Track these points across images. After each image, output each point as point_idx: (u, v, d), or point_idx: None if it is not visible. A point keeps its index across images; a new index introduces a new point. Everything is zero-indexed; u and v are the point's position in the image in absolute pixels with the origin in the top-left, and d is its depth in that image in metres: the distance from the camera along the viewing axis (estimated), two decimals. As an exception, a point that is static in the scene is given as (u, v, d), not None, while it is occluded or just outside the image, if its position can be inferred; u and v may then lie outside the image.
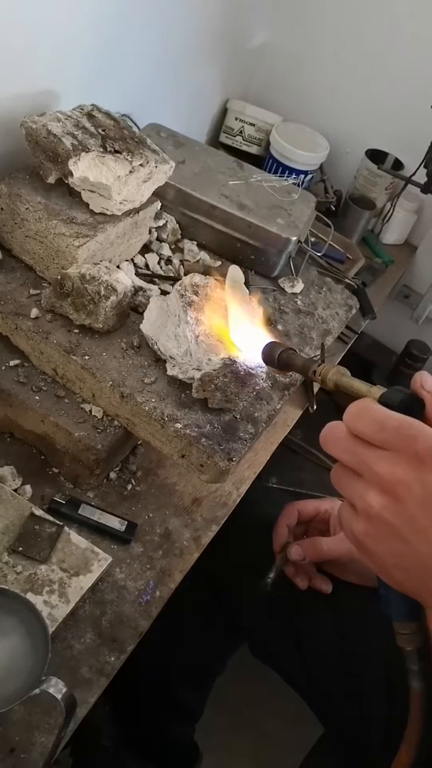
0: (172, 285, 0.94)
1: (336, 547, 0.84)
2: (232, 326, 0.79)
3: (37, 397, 0.83)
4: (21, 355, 0.86)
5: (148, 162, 0.90)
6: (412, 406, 0.48)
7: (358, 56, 1.50)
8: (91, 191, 0.88)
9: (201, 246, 1.14)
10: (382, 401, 0.49)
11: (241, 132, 1.54)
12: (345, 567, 0.87)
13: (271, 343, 0.66)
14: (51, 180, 0.88)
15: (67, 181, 0.88)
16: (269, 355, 0.65)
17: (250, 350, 0.76)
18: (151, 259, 1.06)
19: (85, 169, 0.85)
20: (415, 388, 0.49)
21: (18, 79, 0.93)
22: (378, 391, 0.50)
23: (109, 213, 0.90)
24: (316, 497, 1.34)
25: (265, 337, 0.71)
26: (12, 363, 0.85)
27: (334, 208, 1.52)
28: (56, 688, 0.59)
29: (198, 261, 1.12)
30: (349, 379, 0.54)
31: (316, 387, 1.15)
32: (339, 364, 1.32)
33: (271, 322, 1.04)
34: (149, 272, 1.04)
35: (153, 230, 1.08)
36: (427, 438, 0.44)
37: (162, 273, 1.06)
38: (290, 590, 0.91)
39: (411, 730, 0.54)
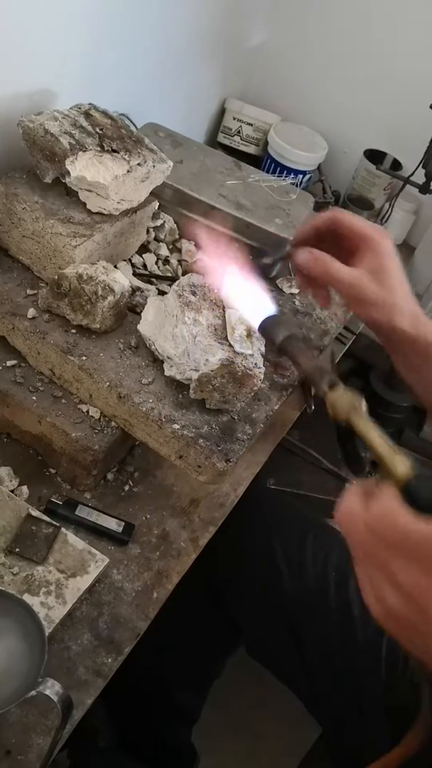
0: (170, 285, 0.94)
1: (346, 276, 0.74)
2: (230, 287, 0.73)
3: (34, 398, 0.82)
4: (18, 355, 0.85)
5: (145, 161, 0.90)
6: None
7: (357, 56, 1.50)
8: (89, 191, 0.88)
9: (199, 246, 1.14)
10: (408, 493, 0.44)
11: (239, 132, 1.54)
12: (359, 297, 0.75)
13: (275, 317, 0.59)
14: (48, 179, 0.88)
15: (64, 181, 0.87)
16: (270, 333, 0.57)
17: (251, 310, 0.66)
18: (149, 259, 1.05)
19: (83, 168, 0.85)
20: None
21: (15, 78, 0.93)
22: (402, 466, 0.45)
23: (106, 213, 0.90)
24: (316, 498, 1.34)
25: (270, 305, 0.62)
26: (9, 363, 0.85)
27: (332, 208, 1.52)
28: (53, 689, 0.59)
29: (196, 261, 1.11)
30: (365, 422, 0.48)
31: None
32: (337, 365, 1.32)
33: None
34: (147, 272, 1.04)
35: (151, 230, 1.08)
36: None
37: (160, 273, 1.06)
38: (290, 591, 0.91)
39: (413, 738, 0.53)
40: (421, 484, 0.44)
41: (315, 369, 0.54)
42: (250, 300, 0.68)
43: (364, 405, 0.50)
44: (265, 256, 0.78)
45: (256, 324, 0.62)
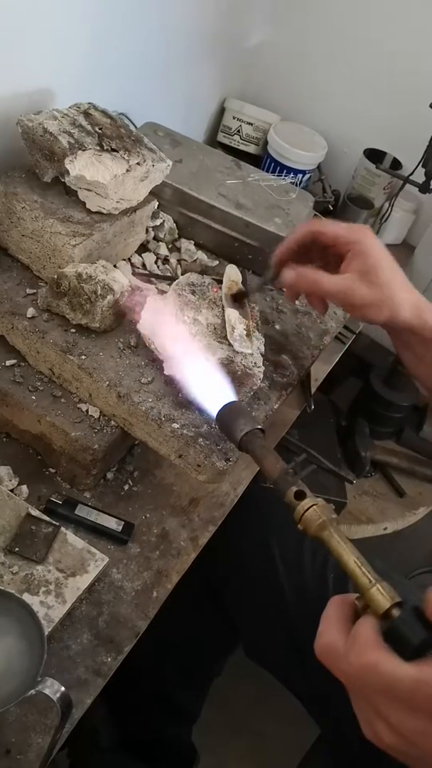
0: (169, 284, 0.94)
1: (334, 286, 0.73)
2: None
3: (33, 397, 0.82)
4: (17, 354, 0.85)
5: (145, 161, 0.90)
6: (428, 643, 0.40)
7: (357, 55, 1.50)
8: (88, 190, 0.88)
9: (198, 245, 1.14)
10: (390, 634, 0.40)
11: (238, 131, 1.54)
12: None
13: (234, 405, 0.51)
14: (47, 179, 0.88)
15: (63, 180, 0.87)
16: (227, 426, 0.50)
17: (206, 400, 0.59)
18: (148, 258, 1.05)
19: (82, 167, 0.85)
20: (429, 611, 0.41)
21: (14, 78, 0.93)
22: (382, 599, 0.41)
23: (105, 212, 0.90)
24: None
25: (228, 391, 0.55)
26: (8, 363, 0.85)
27: (332, 208, 1.52)
28: (52, 689, 0.59)
29: (195, 260, 1.11)
30: (338, 543, 0.43)
31: (313, 387, 1.15)
32: (337, 364, 1.32)
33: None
34: (146, 272, 1.04)
35: (150, 229, 1.08)
36: None
37: (159, 272, 1.06)
38: (288, 591, 0.91)
39: None
40: (403, 624, 0.40)
41: (280, 475, 0.47)
42: (205, 383, 0.60)
43: (334, 515, 0.44)
44: (250, 282, 0.79)
45: (212, 412, 0.54)
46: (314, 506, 0.44)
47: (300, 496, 0.45)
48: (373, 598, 0.41)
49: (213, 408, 0.54)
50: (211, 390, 0.58)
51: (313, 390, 1.11)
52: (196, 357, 0.66)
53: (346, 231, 0.74)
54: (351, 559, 0.42)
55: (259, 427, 0.51)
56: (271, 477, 0.48)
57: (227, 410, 0.52)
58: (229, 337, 0.81)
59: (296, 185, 1.23)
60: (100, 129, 0.89)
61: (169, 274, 1.06)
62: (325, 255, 0.77)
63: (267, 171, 1.41)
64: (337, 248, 0.75)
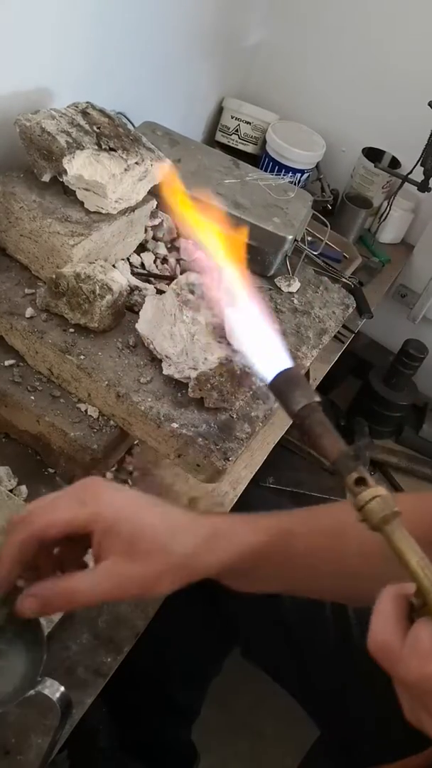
0: (168, 284, 0.94)
1: (97, 586, 0.53)
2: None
3: (32, 397, 0.82)
4: (16, 354, 0.85)
5: (143, 160, 0.90)
6: None
7: (355, 55, 1.50)
8: (86, 190, 0.88)
9: (197, 245, 1.14)
10: None
11: (237, 130, 1.54)
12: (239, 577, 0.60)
13: (291, 373, 0.46)
14: (45, 178, 0.88)
15: (61, 180, 0.87)
16: (284, 396, 0.45)
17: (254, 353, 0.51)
18: (147, 258, 1.05)
19: (80, 167, 0.85)
20: None
21: (12, 77, 0.93)
22: None
23: (104, 212, 0.90)
24: (315, 498, 1.33)
25: (285, 355, 0.48)
26: (7, 363, 0.85)
27: (330, 207, 1.52)
28: (52, 689, 0.58)
29: (194, 260, 1.11)
30: (404, 540, 0.40)
31: (313, 386, 1.15)
32: (336, 363, 1.32)
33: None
34: (145, 271, 1.04)
35: (149, 229, 1.08)
36: None
37: (158, 272, 1.05)
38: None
39: None
40: None
41: (340, 458, 0.43)
42: (258, 342, 0.52)
43: (398, 514, 0.40)
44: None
45: (265, 377, 0.48)
46: (378, 497, 0.40)
47: (362, 483, 0.41)
48: None
49: (267, 372, 0.48)
50: (265, 350, 0.51)
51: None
52: (252, 308, 0.56)
53: (76, 509, 0.53)
54: (414, 559, 0.39)
55: (318, 400, 0.45)
56: (330, 459, 0.43)
57: (283, 377, 0.46)
58: (228, 337, 0.81)
59: (295, 184, 1.23)
60: (99, 128, 0.89)
61: (168, 274, 1.06)
62: (69, 551, 0.57)
63: (265, 170, 1.41)
64: (77, 535, 0.54)
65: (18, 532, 0.53)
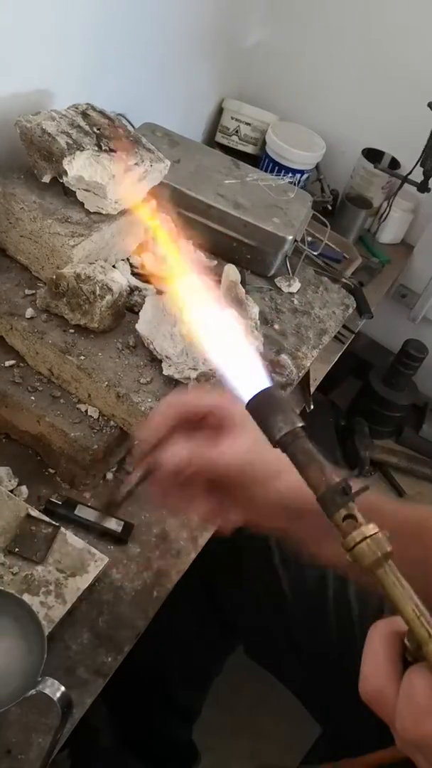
0: (168, 285, 0.94)
1: (230, 452, 0.57)
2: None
3: (32, 398, 0.82)
4: (16, 355, 0.85)
5: (143, 161, 0.90)
6: None
7: (355, 55, 1.50)
8: (86, 190, 0.88)
9: (197, 245, 1.14)
10: None
11: (237, 131, 1.54)
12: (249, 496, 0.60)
13: (270, 394, 0.41)
14: (46, 179, 0.88)
15: (61, 181, 0.87)
16: (264, 420, 0.41)
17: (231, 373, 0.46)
18: (147, 258, 1.05)
19: (80, 168, 0.85)
20: None
21: (12, 78, 0.93)
22: None
23: (104, 212, 0.90)
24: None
25: (262, 374, 0.44)
26: (7, 363, 0.85)
27: (330, 208, 1.52)
28: (52, 689, 0.59)
29: (194, 260, 1.11)
30: (393, 583, 0.37)
31: (313, 387, 1.15)
32: (336, 363, 1.32)
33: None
34: (145, 272, 1.04)
35: (149, 229, 1.08)
36: None
37: (158, 273, 1.05)
38: (288, 592, 0.91)
39: None
40: None
41: (327, 493, 0.39)
42: (233, 361, 0.46)
43: (391, 555, 0.37)
44: (120, 486, 0.61)
45: (242, 398, 0.43)
46: (368, 539, 0.37)
47: (351, 522, 0.38)
48: None
49: (243, 393, 0.43)
50: (240, 369, 0.46)
51: (312, 389, 1.11)
52: (224, 328, 0.52)
53: (221, 398, 0.58)
54: (409, 606, 0.37)
55: (301, 425, 0.41)
56: (316, 493, 0.39)
57: (262, 400, 0.42)
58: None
59: (295, 185, 1.24)
60: (98, 129, 0.89)
61: (168, 274, 1.06)
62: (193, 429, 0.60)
63: (265, 171, 1.41)
64: (213, 419, 0.59)
65: (171, 399, 0.61)
